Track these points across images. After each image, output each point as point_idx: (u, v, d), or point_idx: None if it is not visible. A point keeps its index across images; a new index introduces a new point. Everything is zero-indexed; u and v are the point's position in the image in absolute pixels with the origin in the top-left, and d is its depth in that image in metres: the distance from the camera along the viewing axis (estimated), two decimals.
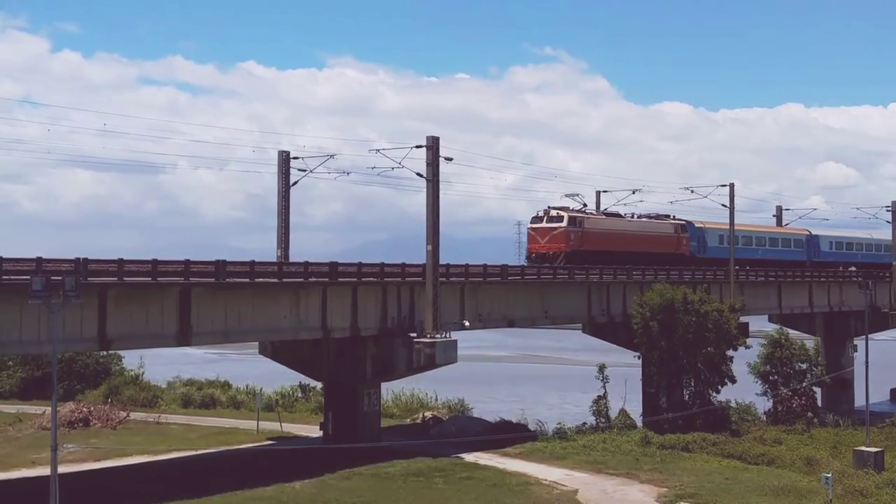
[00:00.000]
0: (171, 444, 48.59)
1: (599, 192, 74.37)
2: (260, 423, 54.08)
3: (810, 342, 69.75)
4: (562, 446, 48.13)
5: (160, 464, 44.52)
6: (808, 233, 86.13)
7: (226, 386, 69.24)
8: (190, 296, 39.51)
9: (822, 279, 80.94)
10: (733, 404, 60.24)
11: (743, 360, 63.62)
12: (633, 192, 71.99)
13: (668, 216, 71.25)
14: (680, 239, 70.54)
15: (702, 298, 56.78)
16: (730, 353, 57.52)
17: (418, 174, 48.17)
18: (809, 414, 62.99)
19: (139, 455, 45.90)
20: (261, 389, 63.56)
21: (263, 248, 57.84)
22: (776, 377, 64.30)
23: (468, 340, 55.19)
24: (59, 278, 28.49)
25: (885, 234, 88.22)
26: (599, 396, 57.77)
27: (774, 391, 63.98)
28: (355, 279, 45.93)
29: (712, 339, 55.81)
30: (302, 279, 43.74)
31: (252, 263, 42.01)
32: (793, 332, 71.36)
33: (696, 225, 72.54)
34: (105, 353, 64.16)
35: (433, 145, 47.63)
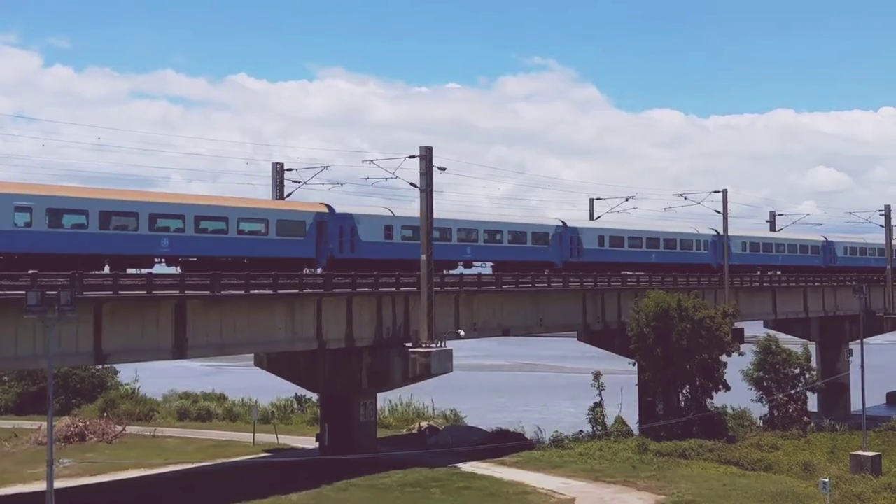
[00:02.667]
0: (167, 458, 48.48)
1: (593, 199, 74.59)
2: (256, 435, 53.96)
3: (800, 347, 69.63)
4: (559, 454, 48.14)
5: (156, 478, 44.41)
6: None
7: (222, 398, 69.15)
8: (185, 309, 39.48)
9: (817, 284, 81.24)
10: (729, 410, 60.35)
11: (739, 366, 63.71)
12: (627, 199, 72.32)
13: None
14: None
15: (696, 305, 56.87)
16: (724, 359, 57.60)
17: (412, 184, 48.26)
18: (806, 419, 63.04)
19: (135, 469, 45.77)
20: (256, 402, 63.44)
21: None
22: (770, 383, 64.37)
23: (463, 350, 55.18)
24: (55, 293, 28.51)
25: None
26: (596, 404, 57.87)
27: (769, 397, 64.06)
28: (350, 290, 45.94)
29: (706, 345, 55.89)
30: (297, 291, 43.73)
31: (247, 275, 42.02)
32: (789, 338, 71.58)
33: None
34: (101, 367, 64.07)
35: (426, 155, 47.74)
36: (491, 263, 57.96)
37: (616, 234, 66.40)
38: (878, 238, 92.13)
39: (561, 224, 62.17)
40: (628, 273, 65.31)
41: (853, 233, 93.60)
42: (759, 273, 77.10)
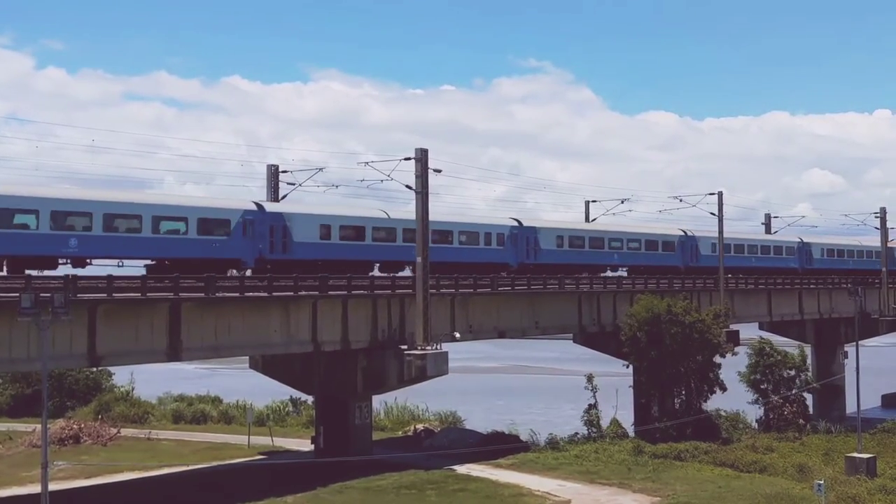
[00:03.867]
0: (162, 461, 48.41)
1: (588, 202, 74.58)
2: (251, 437, 53.94)
3: (794, 349, 69.48)
4: (554, 457, 48.14)
5: (151, 480, 44.33)
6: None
7: (217, 401, 69.06)
8: (180, 311, 39.39)
9: (812, 286, 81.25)
10: (723, 413, 60.34)
11: (734, 368, 63.73)
12: (622, 202, 72.18)
13: None
14: None
15: (685, 309, 56.86)
16: (718, 360, 57.62)
17: (407, 186, 48.19)
18: (801, 421, 63.06)
19: (130, 472, 45.70)
20: (251, 404, 63.38)
21: None
22: (766, 385, 64.41)
23: (459, 352, 55.05)
24: (49, 295, 28.43)
25: None
26: (590, 406, 57.82)
27: (765, 399, 64.07)
28: (345, 292, 45.87)
29: (698, 348, 55.91)
30: (292, 293, 43.65)
31: (242, 278, 41.97)
32: (784, 340, 71.30)
33: None
34: (95, 369, 63.95)
35: (422, 157, 47.65)
36: (150, 261, 42.36)
37: (350, 222, 49.63)
38: (772, 236, 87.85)
39: (256, 208, 45.66)
40: (376, 275, 50.81)
41: (850, 234, 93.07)
42: (586, 275, 62.34)
